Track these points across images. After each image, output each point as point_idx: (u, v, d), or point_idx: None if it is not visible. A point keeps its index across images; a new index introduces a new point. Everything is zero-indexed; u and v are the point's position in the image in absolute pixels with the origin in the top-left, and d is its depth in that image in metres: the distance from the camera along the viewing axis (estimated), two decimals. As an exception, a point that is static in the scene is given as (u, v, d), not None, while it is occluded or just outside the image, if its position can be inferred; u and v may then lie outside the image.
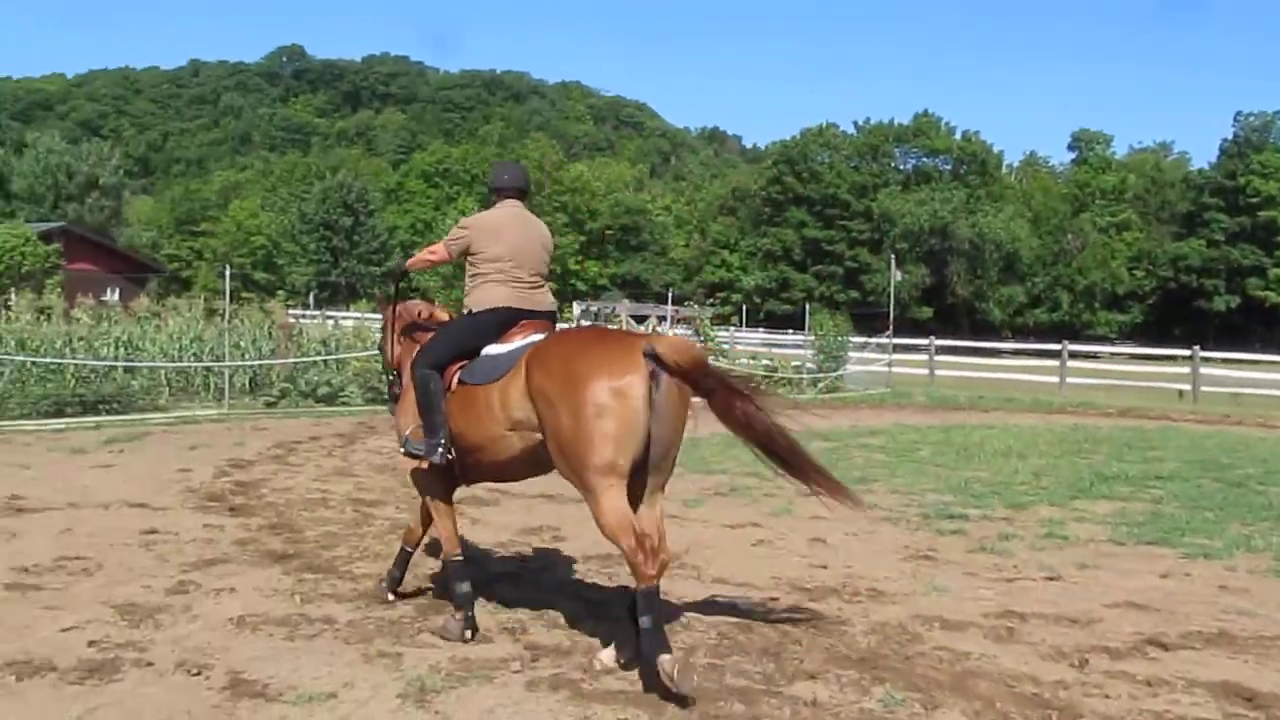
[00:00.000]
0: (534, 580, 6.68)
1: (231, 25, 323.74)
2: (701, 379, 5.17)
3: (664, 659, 4.59)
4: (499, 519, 8.59)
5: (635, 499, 5.04)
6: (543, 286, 6.06)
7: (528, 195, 6.30)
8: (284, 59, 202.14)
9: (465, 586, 5.56)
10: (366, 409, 17.56)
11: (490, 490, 9.89)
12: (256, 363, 19.31)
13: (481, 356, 5.63)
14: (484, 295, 5.81)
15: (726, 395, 5.26)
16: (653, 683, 4.63)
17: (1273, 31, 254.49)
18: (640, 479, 5.05)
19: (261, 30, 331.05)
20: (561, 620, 5.80)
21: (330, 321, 30.83)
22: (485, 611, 5.89)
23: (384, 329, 6.73)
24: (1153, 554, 7.99)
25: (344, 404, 17.87)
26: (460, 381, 5.59)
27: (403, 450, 5.81)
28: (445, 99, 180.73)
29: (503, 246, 5.85)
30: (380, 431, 14.45)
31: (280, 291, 44.25)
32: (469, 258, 5.92)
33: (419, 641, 5.34)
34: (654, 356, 4.97)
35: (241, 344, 20.05)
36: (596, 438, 4.84)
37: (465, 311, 5.91)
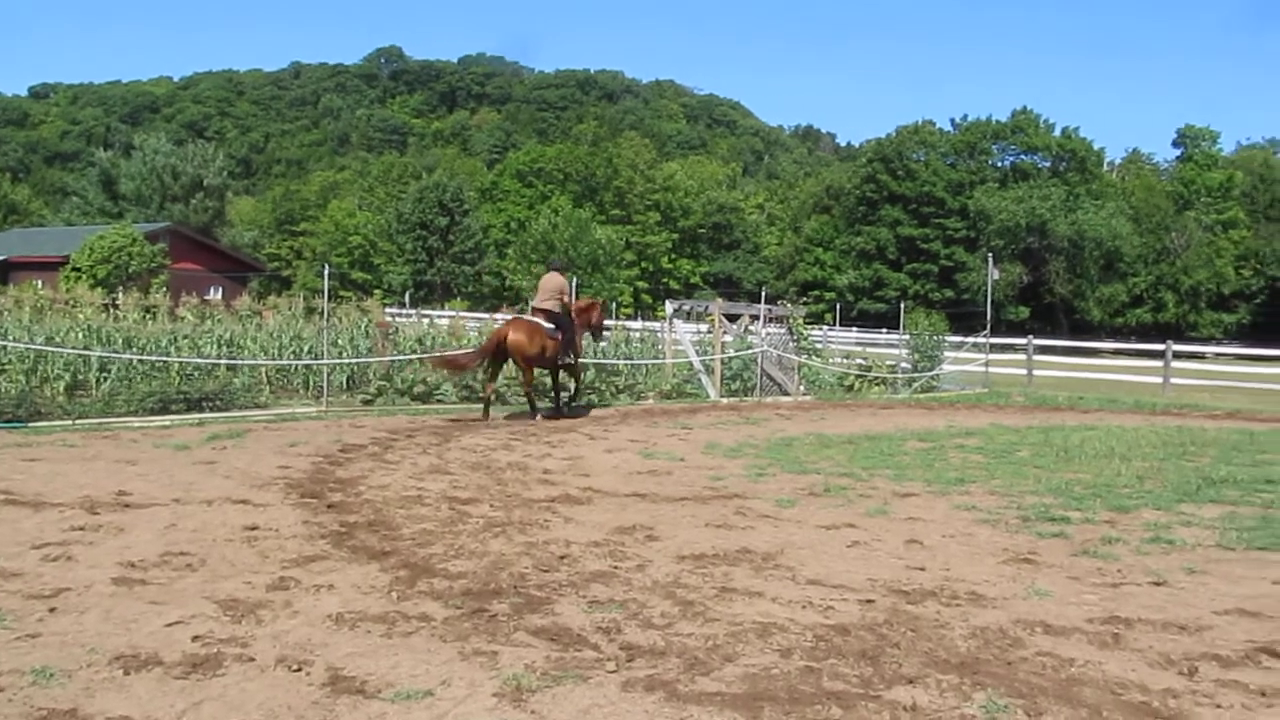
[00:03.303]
0: (628, 580, 6.66)
1: (332, 28, 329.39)
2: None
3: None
4: (592, 518, 8.59)
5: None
6: (552, 299, 16.57)
7: (562, 270, 17.67)
8: (382, 60, 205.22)
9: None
10: (461, 406, 17.73)
11: (584, 490, 9.94)
12: (354, 361, 19.62)
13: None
14: (535, 303, 16.83)
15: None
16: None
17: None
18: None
19: (361, 32, 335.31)
20: (656, 620, 5.78)
21: (426, 320, 31.22)
22: (579, 611, 5.90)
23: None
24: (1264, 559, 7.73)
25: (439, 402, 18.07)
26: None
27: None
28: (539, 98, 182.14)
29: (541, 285, 17.03)
30: (474, 429, 14.58)
31: (377, 290, 45.03)
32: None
33: (515, 640, 5.35)
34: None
35: (339, 342, 20.41)
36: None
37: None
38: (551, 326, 16.41)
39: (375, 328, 21.13)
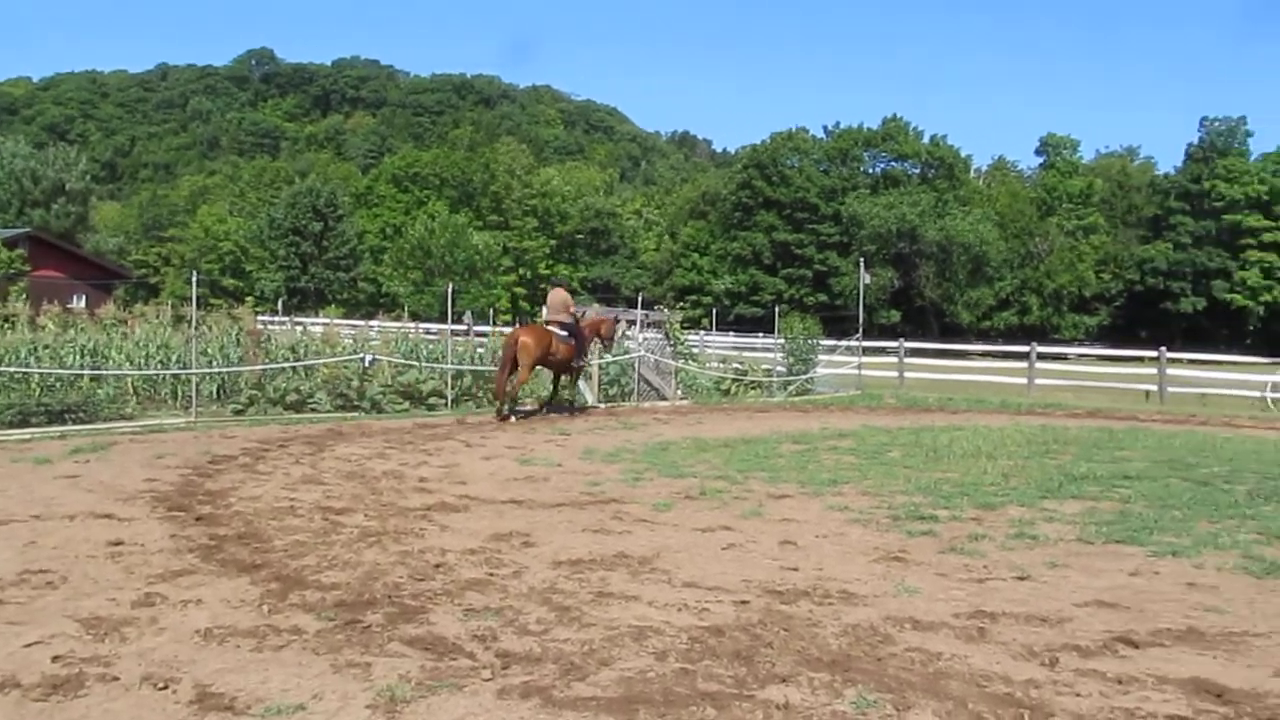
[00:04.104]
0: (504, 587, 6.63)
1: (200, 28, 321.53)
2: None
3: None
4: (469, 525, 8.54)
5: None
6: (561, 314, 18.54)
7: (566, 286, 21.48)
8: (253, 62, 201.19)
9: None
10: (335, 415, 17.46)
11: (460, 498, 9.87)
12: (224, 370, 19.19)
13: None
14: (547, 318, 18.79)
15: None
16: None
17: (1237, 37, 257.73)
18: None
19: (230, 34, 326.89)
20: (532, 627, 5.77)
21: (299, 328, 30.63)
22: (455, 619, 5.86)
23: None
24: (1121, 552, 8.02)
25: (312, 410, 17.77)
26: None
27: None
28: (415, 103, 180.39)
29: (549, 302, 19.09)
30: (349, 438, 14.37)
31: (249, 298, 44.05)
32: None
33: (388, 651, 5.29)
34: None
35: (209, 351, 19.94)
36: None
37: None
38: (565, 333, 18.30)
39: (246, 336, 20.70)
